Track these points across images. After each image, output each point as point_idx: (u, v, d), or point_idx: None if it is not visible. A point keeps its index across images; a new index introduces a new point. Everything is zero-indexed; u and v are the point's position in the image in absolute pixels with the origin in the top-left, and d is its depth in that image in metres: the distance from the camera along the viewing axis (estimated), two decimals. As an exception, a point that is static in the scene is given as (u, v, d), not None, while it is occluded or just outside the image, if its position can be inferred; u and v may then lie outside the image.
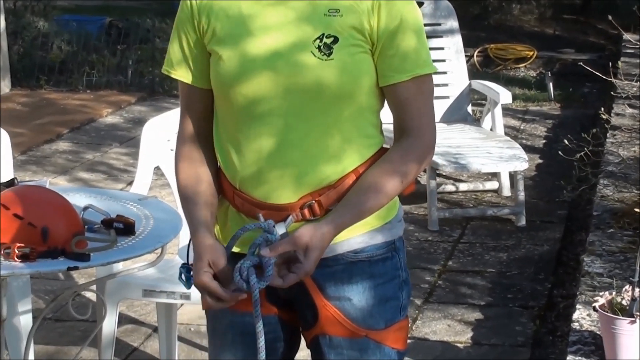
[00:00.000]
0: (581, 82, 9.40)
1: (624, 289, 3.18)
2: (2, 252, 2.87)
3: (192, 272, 2.32)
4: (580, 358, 3.39)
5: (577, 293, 3.95)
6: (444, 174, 6.60)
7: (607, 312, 3.14)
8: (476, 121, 6.71)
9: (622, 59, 8.74)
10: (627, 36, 6.16)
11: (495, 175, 6.56)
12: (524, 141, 7.49)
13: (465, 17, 8.67)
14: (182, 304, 4.24)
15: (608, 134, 6.26)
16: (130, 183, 5.99)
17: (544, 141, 7.78)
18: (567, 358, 3.40)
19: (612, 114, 6.69)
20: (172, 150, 3.92)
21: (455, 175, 6.74)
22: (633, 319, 3.08)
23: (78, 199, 3.34)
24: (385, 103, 2.36)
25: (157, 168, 4.11)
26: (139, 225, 3.18)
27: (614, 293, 3.20)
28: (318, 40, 2.24)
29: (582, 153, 5.00)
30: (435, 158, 5.69)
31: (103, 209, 3.25)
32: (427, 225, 5.90)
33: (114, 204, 3.40)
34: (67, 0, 12.42)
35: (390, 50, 2.27)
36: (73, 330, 4.58)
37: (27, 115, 8.48)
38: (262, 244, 2.23)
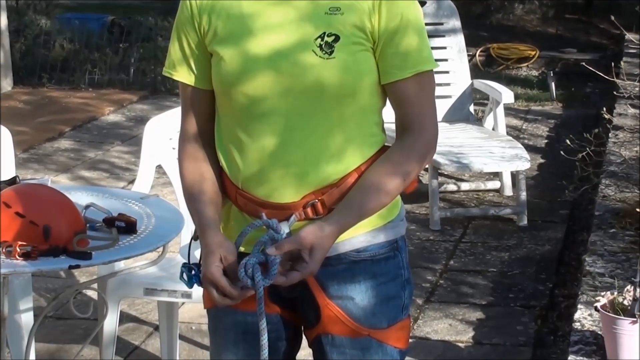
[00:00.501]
0: (583, 82, 9.39)
1: (625, 289, 3.18)
2: (3, 250, 2.87)
3: (193, 272, 2.32)
4: (581, 358, 3.38)
5: (579, 293, 3.94)
6: (445, 173, 6.59)
7: (608, 312, 3.14)
8: (478, 121, 6.71)
9: (625, 59, 8.77)
10: (629, 36, 6.16)
11: (497, 175, 6.56)
12: (526, 141, 7.49)
13: (467, 17, 8.65)
14: (183, 303, 4.24)
15: (610, 134, 6.25)
16: (132, 181, 5.98)
17: (545, 141, 7.77)
18: (569, 358, 3.39)
19: (614, 114, 6.69)
20: (174, 148, 3.94)
21: (457, 174, 6.74)
22: (635, 319, 3.08)
23: (80, 198, 3.35)
24: (387, 101, 2.36)
25: (159, 166, 4.10)
26: (140, 223, 3.18)
27: (615, 293, 3.20)
28: (319, 39, 2.24)
29: (584, 153, 5.00)
30: (437, 157, 5.69)
31: (105, 208, 3.25)
32: (428, 224, 5.90)
33: (115, 202, 3.40)
34: (69, -2, 12.44)
35: (391, 49, 2.27)
36: (74, 328, 4.57)
37: (29, 114, 8.48)
38: (267, 242, 2.22)
